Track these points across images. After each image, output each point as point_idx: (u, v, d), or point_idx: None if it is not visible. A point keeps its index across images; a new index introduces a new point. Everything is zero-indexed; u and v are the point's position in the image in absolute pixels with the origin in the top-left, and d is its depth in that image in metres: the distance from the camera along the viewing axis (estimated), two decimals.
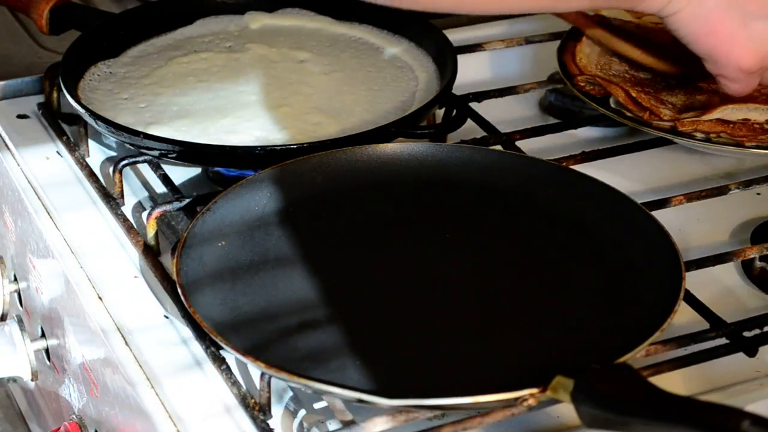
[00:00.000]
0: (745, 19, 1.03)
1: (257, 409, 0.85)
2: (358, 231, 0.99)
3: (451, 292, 0.92)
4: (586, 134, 1.21)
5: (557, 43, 1.24)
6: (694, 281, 0.94)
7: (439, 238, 0.97)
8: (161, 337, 0.93)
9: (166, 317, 0.95)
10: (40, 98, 1.22)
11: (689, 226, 1.07)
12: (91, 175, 1.10)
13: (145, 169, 1.12)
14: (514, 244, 0.97)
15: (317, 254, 0.95)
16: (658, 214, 0.97)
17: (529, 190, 1.01)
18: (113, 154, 1.15)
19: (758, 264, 1.01)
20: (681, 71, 1.16)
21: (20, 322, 1.15)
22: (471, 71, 1.27)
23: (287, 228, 0.98)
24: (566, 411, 0.84)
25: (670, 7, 1.02)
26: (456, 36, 1.24)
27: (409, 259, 0.96)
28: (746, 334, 0.91)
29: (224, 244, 0.96)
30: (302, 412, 0.85)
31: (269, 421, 0.84)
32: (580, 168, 1.04)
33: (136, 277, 0.99)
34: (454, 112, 1.13)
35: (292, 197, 1.00)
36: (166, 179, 1.06)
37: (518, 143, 1.11)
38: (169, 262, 0.97)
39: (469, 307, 0.91)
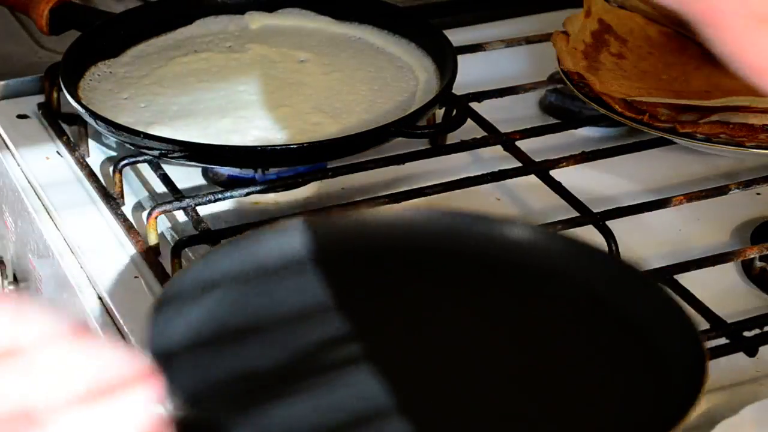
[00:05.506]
0: None
1: None
2: (359, 298, 0.89)
3: (455, 373, 0.83)
4: (586, 134, 1.20)
5: None
6: (694, 281, 0.94)
7: (447, 313, 0.88)
8: None
9: None
10: (40, 98, 1.22)
11: (689, 226, 1.07)
12: (91, 175, 1.10)
13: (145, 169, 1.12)
14: (524, 323, 0.88)
15: (308, 320, 0.85)
16: (658, 214, 0.97)
17: (541, 264, 0.90)
18: (113, 154, 1.15)
19: (758, 264, 1.01)
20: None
21: None
22: (471, 71, 1.26)
23: (279, 291, 0.87)
24: None
25: None
26: (456, 36, 1.24)
27: (412, 334, 0.86)
28: (746, 334, 0.90)
29: (209, 302, 0.85)
30: None
31: None
32: (580, 168, 1.04)
33: (136, 277, 0.99)
34: (454, 112, 1.13)
35: (287, 259, 0.89)
36: (166, 179, 1.06)
37: (518, 143, 1.11)
38: (169, 262, 0.97)
39: (476, 390, 0.82)
